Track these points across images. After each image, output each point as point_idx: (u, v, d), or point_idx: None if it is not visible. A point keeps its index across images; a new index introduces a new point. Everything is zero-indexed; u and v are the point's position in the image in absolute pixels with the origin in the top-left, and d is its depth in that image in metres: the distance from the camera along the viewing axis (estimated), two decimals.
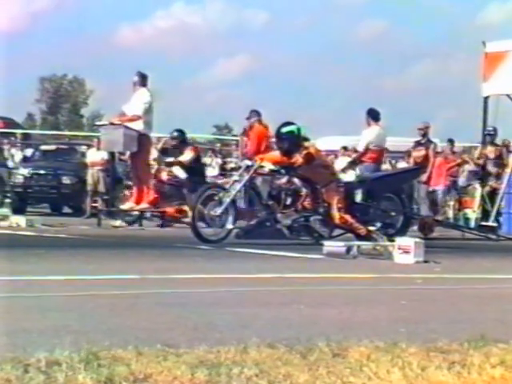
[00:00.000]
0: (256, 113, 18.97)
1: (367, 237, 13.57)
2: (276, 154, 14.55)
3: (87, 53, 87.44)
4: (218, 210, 13.75)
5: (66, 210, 25.76)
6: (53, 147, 30.58)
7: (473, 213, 23.49)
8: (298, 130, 14.27)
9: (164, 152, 20.69)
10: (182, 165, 18.74)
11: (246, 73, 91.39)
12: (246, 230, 14.15)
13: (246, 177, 14.08)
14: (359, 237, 13.63)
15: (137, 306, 6.88)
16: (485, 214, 22.40)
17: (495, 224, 21.42)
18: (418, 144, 20.38)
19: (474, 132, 23.93)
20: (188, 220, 16.42)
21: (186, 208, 17.43)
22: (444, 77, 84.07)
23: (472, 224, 22.55)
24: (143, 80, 17.27)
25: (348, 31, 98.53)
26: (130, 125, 16.75)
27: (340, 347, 4.87)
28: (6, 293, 7.04)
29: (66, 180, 25.39)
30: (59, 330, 5.36)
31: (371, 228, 14.01)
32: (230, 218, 13.83)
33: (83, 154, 26.36)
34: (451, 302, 7.96)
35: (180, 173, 18.76)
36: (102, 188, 22.95)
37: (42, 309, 6.48)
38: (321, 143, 30.10)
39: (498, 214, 21.77)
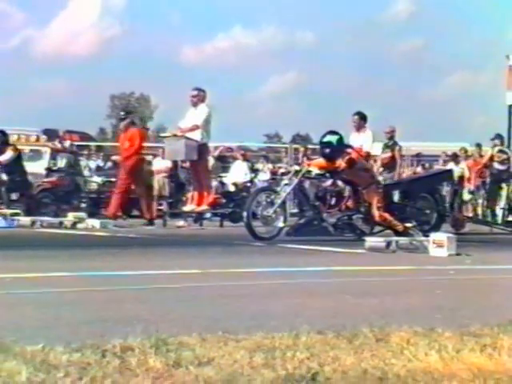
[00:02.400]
0: None
1: (404, 233, 13.52)
2: (321, 160, 14.54)
3: (153, 72, 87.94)
4: (270, 211, 13.75)
5: (135, 212, 25.85)
6: None
7: (500, 210, 23.34)
8: (340, 138, 14.27)
9: None
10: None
11: (295, 87, 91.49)
12: (296, 228, 14.15)
13: (296, 180, 14.08)
14: (397, 233, 13.58)
15: (200, 297, 6.90)
16: (510, 211, 22.30)
17: None
18: (385, 146, 20.16)
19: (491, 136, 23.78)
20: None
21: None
22: (474, 87, 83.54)
23: (499, 220, 22.41)
24: (202, 95, 17.29)
25: (389, 47, 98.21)
26: (190, 135, 16.80)
27: (382, 332, 4.85)
28: (85, 287, 7.09)
29: (134, 186, 25.50)
30: (132, 319, 5.37)
31: (408, 225, 13.94)
32: (281, 218, 13.83)
33: (149, 163, 26.48)
34: (482, 291, 7.91)
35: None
36: (166, 192, 23.04)
37: (116, 301, 6.52)
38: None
39: None
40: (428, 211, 14.78)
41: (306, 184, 14.39)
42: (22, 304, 6.18)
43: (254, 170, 25.32)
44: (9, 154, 18.03)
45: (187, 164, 18.89)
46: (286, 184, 14.28)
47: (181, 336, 4.56)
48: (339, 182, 14.21)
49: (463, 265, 10.23)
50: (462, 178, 23.88)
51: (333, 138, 14.10)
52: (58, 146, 27.01)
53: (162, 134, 22.54)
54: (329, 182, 14.28)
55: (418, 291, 7.77)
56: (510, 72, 22.48)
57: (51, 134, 29.96)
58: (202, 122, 16.85)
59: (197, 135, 16.81)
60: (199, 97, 17.19)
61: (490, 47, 67.81)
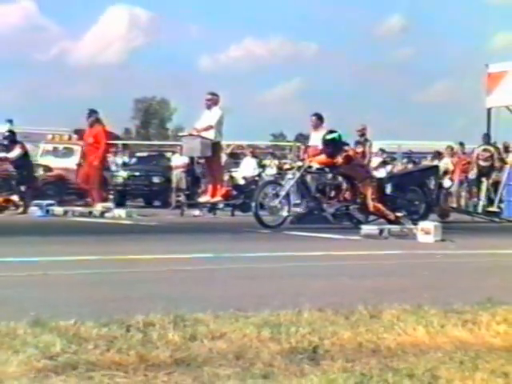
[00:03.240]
0: None
1: (396, 221, 13.50)
2: (322, 156, 14.53)
3: (173, 78, 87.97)
4: (276, 201, 13.74)
5: (156, 203, 25.89)
6: (145, 154, 30.80)
7: (480, 201, 23.32)
8: (339, 136, 14.27)
9: None
10: (9, 161, 18.04)
11: (299, 92, 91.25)
12: (298, 217, 14.13)
13: (298, 175, 14.06)
14: (389, 221, 13.56)
15: (213, 278, 6.90)
16: (490, 202, 22.27)
17: (498, 209, 21.27)
18: (357, 143, 20.08)
19: (481, 136, 23.75)
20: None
21: (13, 198, 17.21)
22: (458, 92, 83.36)
23: (480, 210, 22.38)
24: (215, 99, 17.27)
25: (383, 56, 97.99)
26: (204, 134, 16.79)
27: (375, 310, 4.85)
28: (112, 269, 7.10)
29: (155, 180, 25.55)
30: (153, 297, 5.38)
31: (398, 214, 13.93)
32: (285, 208, 13.81)
33: (169, 159, 26.51)
34: (464, 273, 7.89)
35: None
36: (183, 185, 23.05)
37: (139, 281, 6.54)
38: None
39: (500, 201, 21.62)
40: (417, 202, 14.75)
41: (308, 178, 14.36)
42: (57, 284, 6.20)
43: (262, 166, 25.31)
44: (17, 152, 18.02)
45: (202, 160, 18.85)
46: (289, 178, 14.26)
47: (196, 313, 4.56)
48: (338, 176, 14.20)
49: (448, 250, 10.22)
50: (446, 172, 23.88)
51: (335, 135, 14.15)
52: None
53: (180, 134, 22.55)
54: (328, 176, 14.27)
55: (407, 273, 7.77)
56: (489, 79, 22.43)
57: (82, 134, 29.96)
58: (216, 123, 16.84)
59: (211, 134, 16.81)
60: (213, 100, 17.17)
61: (472, 57, 67.62)
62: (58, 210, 16.73)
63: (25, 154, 18.26)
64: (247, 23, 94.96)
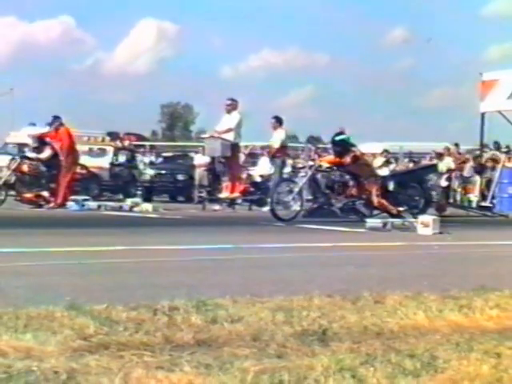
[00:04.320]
0: None
1: (398, 215, 13.47)
2: (331, 156, 14.54)
3: (196, 86, 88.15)
4: (289, 197, 13.72)
5: (180, 198, 25.91)
6: (170, 154, 30.88)
7: (474, 197, 23.25)
8: (348, 138, 14.27)
9: None
10: (41, 161, 17.73)
11: (312, 98, 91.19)
12: (310, 211, 14.11)
13: (310, 173, 14.04)
14: (392, 215, 13.53)
15: (232, 267, 6.90)
16: (483, 198, 22.19)
17: (491, 205, 21.19)
18: None
19: (475, 138, 23.74)
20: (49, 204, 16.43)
21: (43, 194, 17.18)
22: (455, 98, 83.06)
23: (474, 205, 22.31)
24: (234, 104, 17.27)
25: (387, 65, 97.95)
26: (224, 136, 16.79)
27: (379, 296, 4.83)
28: (140, 258, 7.11)
29: (180, 177, 25.56)
30: (177, 284, 5.38)
31: (400, 209, 13.89)
32: (298, 203, 13.79)
33: (192, 159, 26.52)
34: (460, 262, 7.87)
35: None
36: (205, 182, 23.00)
37: (165, 269, 6.54)
38: (364, 147, 29.98)
39: (493, 197, 21.55)
40: (416, 198, 14.68)
41: (319, 176, 14.32)
42: (90, 272, 6.21)
43: None
44: (47, 152, 18.02)
45: (223, 159, 18.85)
46: (302, 176, 14.24)
47: (217, 298, 4.56)
48: (345, 174, 14.16)
49: (445, 241, 10.18)
50: (448, 170, 23.86)
51: (344, 137, 14.18)
52: (119, 145, 27.12)
53: (203, 136, 22.54)
54: (337, 174, 14.24)
55: (408, 263, 7.75)
56: (483, 86, 22.38)
57: (114, 136, 30.05)
58: (235, 126, 16.84)
59: (230, 136, 16.81)
60: (232, 105, 17.17)
61: (468, 66, 67.37)
62: (93, 204, 16.76)
63: (55, 155, 18.25)
64: (265, 35, 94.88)
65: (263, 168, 23.08)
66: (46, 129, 18.95)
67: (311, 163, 14.62)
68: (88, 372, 3.05)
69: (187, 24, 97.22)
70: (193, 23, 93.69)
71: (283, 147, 17.73)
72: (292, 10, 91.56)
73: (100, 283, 5.50)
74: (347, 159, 13.91)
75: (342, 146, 14.05)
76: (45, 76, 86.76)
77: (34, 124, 29.23)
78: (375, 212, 14.17)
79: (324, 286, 5.27)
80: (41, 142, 18.41)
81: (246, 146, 25.77)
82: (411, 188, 14.70)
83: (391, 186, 14.46)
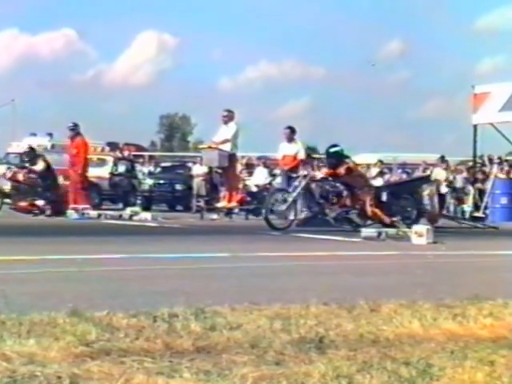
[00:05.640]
0: None
1: (391, 225, 13.48)
2: (326, 167, 14.62)
3: (195, 97, 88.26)
4: (284, 207, 13.71)
5: (179, 207, 25.92)
6: (169, 164, 30.90)
7: (468, 207, 23.32)
8: (341, 150, 14.31)
9: None
10: (34, 172, 17.95)
11: (307, 110, 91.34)
12: (304, 220, 14.10)
13: (303, 183, 14.05)
14: (385, 225, 13.54)
15: (230, 275, 6.89)
16: (476, 208, 22.26)
17: (483, 215, 21.25)
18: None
19: (468, 149, 23.83)
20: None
21: (37, 203, 17.22)
22: (448, 110, 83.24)
23: (467, 215, 22.36)
24: (231, 115, 17.27)
25: (383, 77, 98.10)
26: (222, 147, 16.80)
27: (375, 304, 4.83)
28: (140, 266, 7.11)
29: (178, 187, 25.60)
30: (176, 292, 5.38)
31: (393, 219, 13.90)
32: (292, 212, 13.77)
33: (190, 169, 26.54)
34: (454, 271, 7.87)
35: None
36: (203, 192, 23.06)
37: (164, 277, 6.53)
38: (359, 158, 30.06)
39: (486, 207, 21.62)
40: (409, 209, 14.70)
41: (313, 186, 14.33)
42: (91, 279, 6.21)
43: (273, 175, 25.27)
44: (41, 165, 18.08)
45: (220, 170, 18.87)
46: (296, 185, 14.25)
47: (215, 306, 4.56)
48: (339, 185, 14.17)
49: (439, 251, 10.18)
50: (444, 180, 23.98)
51: (338, 149, 14.22)
52: (119, 155, 27.13)
53: (200, 146, 22.60)
54: (331, 185, 14.24)
55: (403, 272, 7.75)
56: (475, 99, 22.48)
57: (113, 146, 30.07)
58: (232, 137, 16.85)
59: (227, 147, 16.82)
60: (229, 116, 17.19)
61: (461, 79, 67.67)
62: (93, 213, 16.77)
63: (48, 166, 18.29)
64: (262, 48, 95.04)
65: (259, 178, 23.13)
66: (47, 139, 19.04)
67: (305, 173, 14.62)
68: (90, 377, 3.05)
69: (186, 36, 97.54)
70: (192, 35, 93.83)
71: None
72: (289, 22, 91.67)
73: (101, 290, 5.50)
74: (341, 170, 13.96)
75: (336, 158, 14.10)
76: (46, 87, 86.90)
77: (34, 134, 29.27)
78: (369, 222, 14.18)
79: (320, 294, 5.26)
80: (33, 154, 18.48)
81: (243, 157, 25.78)
82: (404, 199, 14.71)
83: (384, 196, 14.48)
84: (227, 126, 17.02)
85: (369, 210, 13.88)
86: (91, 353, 3.40)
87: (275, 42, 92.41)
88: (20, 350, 3.35)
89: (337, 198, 14.12)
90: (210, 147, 17.59)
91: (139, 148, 36.32)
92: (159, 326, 4.00)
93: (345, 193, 14.12)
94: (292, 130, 17.29)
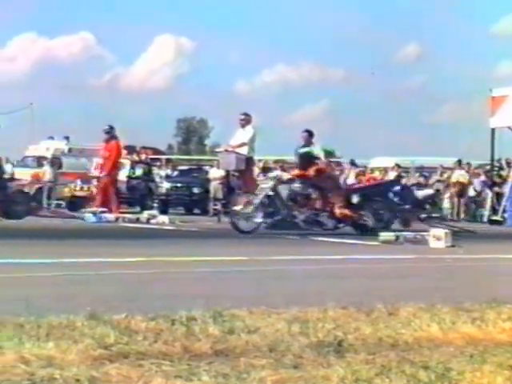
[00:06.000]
0: None
1: (359, 221, 13.59)
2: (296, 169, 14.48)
3: (212, 100, 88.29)
4: (249, 209, 13.52)
5: (196, 211, 25.95)
6: (186, 167, 30.93)
7: (485, 211, 23.21)
8: (311, 151, 14.22)
9: None
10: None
11: (326, 113, 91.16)
12: (272, 223, 13.76)
13: (270, 184, 13.86)
14: (356, 224, 13.64)
15: (248, 278, 6.89)
16: (494, 212, 22.14)
17: (501, 219, 21.14)
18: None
19: (486, 153, 23.75)
20: None
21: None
22: (466, 114, 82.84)
23: (485, 219, 22.25)
24: (248, 118, 17.25)
25: (400, 81, 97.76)
26: (239, 150, 16.79)
27: (393, 308, 4.82)
28: (158, 269, 7.12)
29: (195, 190, 25.59)
30: (194, 295, 5.37)
31: (362, 212, 13.79)
32: (260, 215, 13.54)
33: (207, 172, 26.57)
34: (472, 275, 7.84)
35: None
36: (220, 195, 23.06)
37: (181, 280, 6.54)
38: (376, 161, 29.98)
39: (504, 211, 21.50)
40: (381, 211, 14.32)
41: (280, 187, 13.99)
42: (109, 282, 6.22)
43: None
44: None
45: (237, 173, 18.85)
46: (263, 187, 14.02)
47: (233, 309, 4.55)
48: (308, 187, 13.92)
49: (457, 254, 10.14)
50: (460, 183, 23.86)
51: (308, 150, 14.10)
52: (136, 158, 27.17)
53: (217, 150, 22.55)
54: (300, 186, 13.95)
55: (421, 275, 7.72)
56: (493, 102, 22.39)
57: (130, 149, 30.13)
58: (249, 140, 16.83)
59: (244, 150, 16.79)
60: (246, 120, 17.15)
61: (478, 82, 67.29)
62: (110, 216, 16.81)
63: None
64: (279, 51, 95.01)
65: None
66: (64, 142, 19.05)
67: (274, 175, 14.45)
68: (108, 380, 3.06)
69: (204, 40, 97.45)
70: (209, 39, 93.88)
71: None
72: (306, 25, 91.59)
73: (119, 293, 5.51)
74: (310, 172, 13.81)
75: (306, 159, 13.95)
76: (64, 91, 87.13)
77: (52, 138, 29.35)
78: (340, 224, 13.96)
79: (338, 297, 5.25)
80: None
81: (260, 160, 25.76)
82: (375, 201, 14.46)
83: (355, 198, 14.26)
84: (244, 130, 17.01)
85: (338, 211, 13.74)
86: (110, 356, 3.40)
87: (292, 45, 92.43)
88: (39, 353, 3.36)
89: (306, 200, 13.90)
90: (226, 151, 17.59)
91: (156, 151, 36.37)
92: (177, 329, 4.00)
93: (314, 195, 13.93)
94: (310, 134, 17.26)
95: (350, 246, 11.21)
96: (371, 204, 14.30)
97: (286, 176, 14.10)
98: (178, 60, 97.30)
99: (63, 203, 23.10)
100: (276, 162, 26.78)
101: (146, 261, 7.81)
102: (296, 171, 14.24)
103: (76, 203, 21.68)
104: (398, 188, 18.97)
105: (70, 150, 27.73)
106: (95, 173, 20.84)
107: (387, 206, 14.73)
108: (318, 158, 14.29)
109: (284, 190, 13.96)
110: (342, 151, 15.43)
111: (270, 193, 13.82)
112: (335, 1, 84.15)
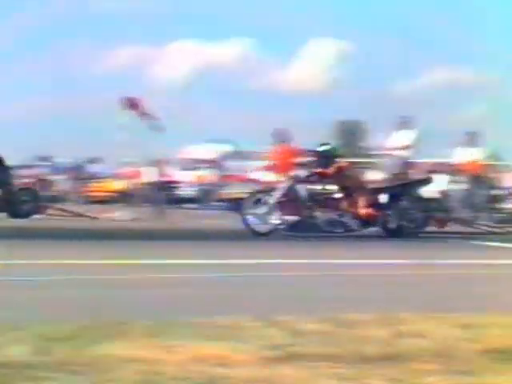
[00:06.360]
0: None
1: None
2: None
3: (370, 102, 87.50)
4: (264, 209, 12.86)
5: None
6: None
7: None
8: (332, 149, 13.70)
9: None
10: None
11: (486, 115, 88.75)
12: (292, 225, 13.11)
13: (288, 183, 13.16)
14: (386, 225, 12.95)
15: (417, 283, 6.76)
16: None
17: None
18: None
19: None
20: None
21: None
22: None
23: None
24: (407, 122, 17.05)
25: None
26: (400, 153, 16.62)
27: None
28: (328, 271, 7.11)
29: None
30: (362, 299, 5.32)
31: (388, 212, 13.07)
32: (275, 216, 12.91)
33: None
34: None
35: None
36: None
37: (353, 283, 6.50)
38: None
39: None
40: (413, 211, 13.47)
41: (299, 187, 13.24)
42: (272, 284, 6.28)
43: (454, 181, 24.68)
44: None
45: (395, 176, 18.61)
46: (279, 187, 13.22)
47: (400, 313, 4.50)
48: (330, 185, 13.22)
49: None
50: None
51: (328, 148, 13.53)
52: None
53: (377, 152, 22.38)
54: (322, 186, 13.27)
55: None
56: None
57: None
58: (410, 143, 16.62)
59: (404, 153, 16.62)
60: (406, 122, 16.95)
61: None
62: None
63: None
64: (438, 53, 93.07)
65: (439, 185, 22.65)
66: (228, 145, 19.19)
67: (293, 174, 13.60)
68: (283, 381, 3.12)
69: (362, 43, 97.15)
70: (367, 42, 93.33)
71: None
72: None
73: (285, 296, 5.59)
74: (330, 170, 13.20)
75: (327, 157, 13.34)
76: (225, 95, 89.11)
77: (213, 141, 30.06)
78: (367, 226, 13.20)
79: (507, 303, 5.11)
80: None
81: (423, 163, 25.34)
82: (406, 201, 13.57)
83: (382, 198, 13.50)
84: (404, 132, 16.84)
85: (362, 212, 13.17)
86: (280, 356, 3.46)
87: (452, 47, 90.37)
88: (211, 353, 3.47)
89: (327, 199, 13.25)
90: (385, 154, 17.45)
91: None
92: (344, 331, 4.02)
93: (336, 195, 13.30)
94: (472, 135, 16.88)
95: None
96: (400, 204, 13.53)
97: (302, 174, 13.40)
98: (336, 63, 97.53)
99: (223, 204, 23.55)
100: (436, 164, 26.23)
101: (311, 263, 7.82)
102: (318, 169, 13.41)
103: (237, 204, 22.03)
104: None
105: (234, 152, 28.30)
106: (256, 175, 21.09)
107: (419, 206, 13.91)
108: (339, 156, 13.87)
109: (302, 189, 13.35)
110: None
111: (286, 192, 13.18)
112: None
